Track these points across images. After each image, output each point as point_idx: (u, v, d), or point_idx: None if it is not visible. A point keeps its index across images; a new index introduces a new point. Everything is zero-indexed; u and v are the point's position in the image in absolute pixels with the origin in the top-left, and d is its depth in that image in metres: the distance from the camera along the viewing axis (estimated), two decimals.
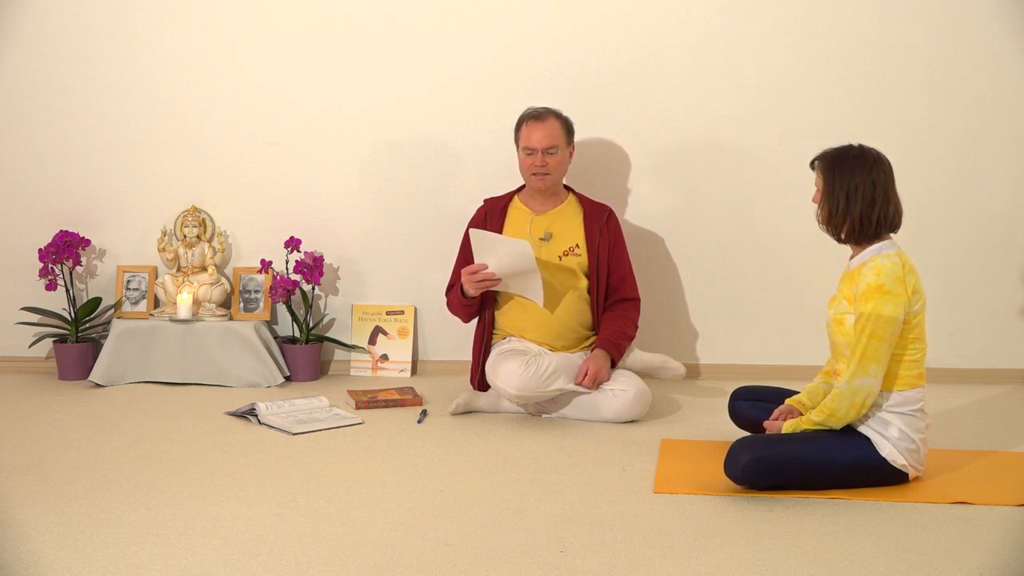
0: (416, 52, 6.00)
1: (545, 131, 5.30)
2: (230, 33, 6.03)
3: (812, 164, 4.30)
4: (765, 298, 6.03)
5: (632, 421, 5.13)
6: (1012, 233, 5.92)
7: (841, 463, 4.11)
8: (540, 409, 5.20)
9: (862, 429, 4.16)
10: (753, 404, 4.65)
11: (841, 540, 3.66)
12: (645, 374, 5.40)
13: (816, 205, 4.28)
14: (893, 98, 5.91)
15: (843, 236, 4.21)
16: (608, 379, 5.16)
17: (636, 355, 5.38)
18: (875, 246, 4.17)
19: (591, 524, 3.78)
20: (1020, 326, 5.93)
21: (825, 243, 5.90)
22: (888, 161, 4.19)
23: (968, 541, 3.66)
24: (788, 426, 4.19)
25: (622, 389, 5.12)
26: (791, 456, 4.09)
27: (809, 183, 5.86)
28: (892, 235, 4.21)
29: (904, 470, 4.15)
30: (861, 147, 4.20)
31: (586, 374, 5.11)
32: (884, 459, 4.11)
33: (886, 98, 5.92)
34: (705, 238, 6.04)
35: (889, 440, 4.12)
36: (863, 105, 5.92)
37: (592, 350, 5.25)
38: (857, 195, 4.12)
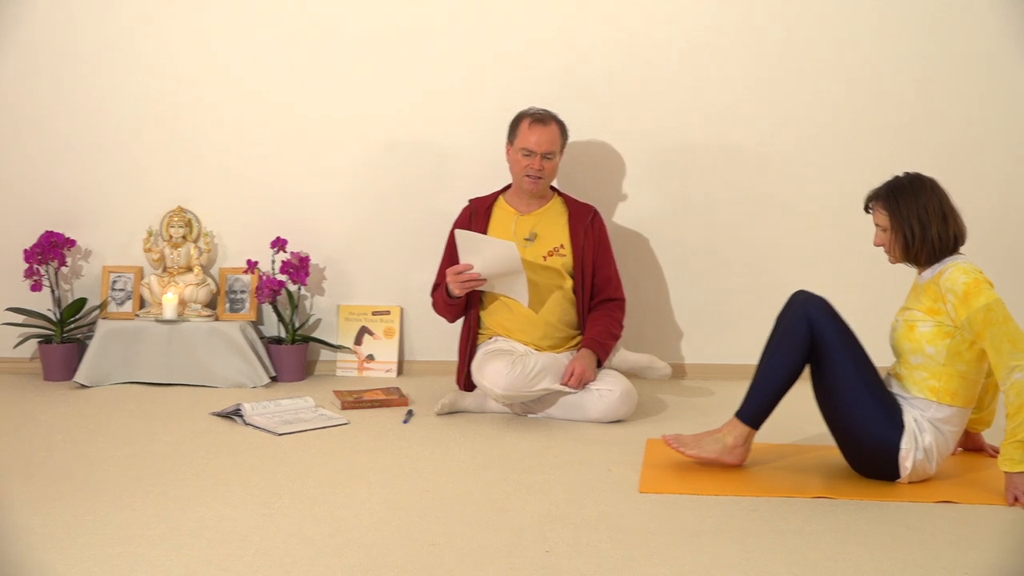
0: (402, 54, 6.00)
1: (546, 135, 5.30)
2: (218, 33, 6.03)
3: (867, 207, 4.34)
4: (751, 298, 6.04)
5: (618, 421, 5.13)
6: (999, 232, 5.97)
7: (861, 417, 4.15)
8: (526, 409, 5.20)
9: (906, 418, 4.17)
10: None
11: (827, 540, 3.66)
12: (631, 374, 5.40)
13: (882, 247, 4.31)
14: (881, 99, 5.93)
15: (924, 260, 4.24)
16: (594, 379, 5.16)
17: (622, 355, 5.38)
18: (948, 259, 4.21)
19: (577, 524, 3.78)
20: None
21: (811, 243, 5.99)
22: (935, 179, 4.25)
23: (954, 540, 3.67)
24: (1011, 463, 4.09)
25: (608, 389, 5.12)
26: (837, 375, 4.17)
27: (795, 182, 5.97)
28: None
29: (901, 472, 4.18)
30: (908, 174, 4.27)
31: (572, 374, 5.11)
32: (898, 450, 4.14)
33: (873, 99, 5.94)
34: (691, 239, 6.05)
35: (917, 444, 4.15)
36: (849, 106, 5.94)
37: (578, 350, 5.25)
38: (929, 217, 4.16)
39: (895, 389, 4.28)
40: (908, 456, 4.15)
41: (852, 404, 4.17)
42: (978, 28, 5.87)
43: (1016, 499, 4.00)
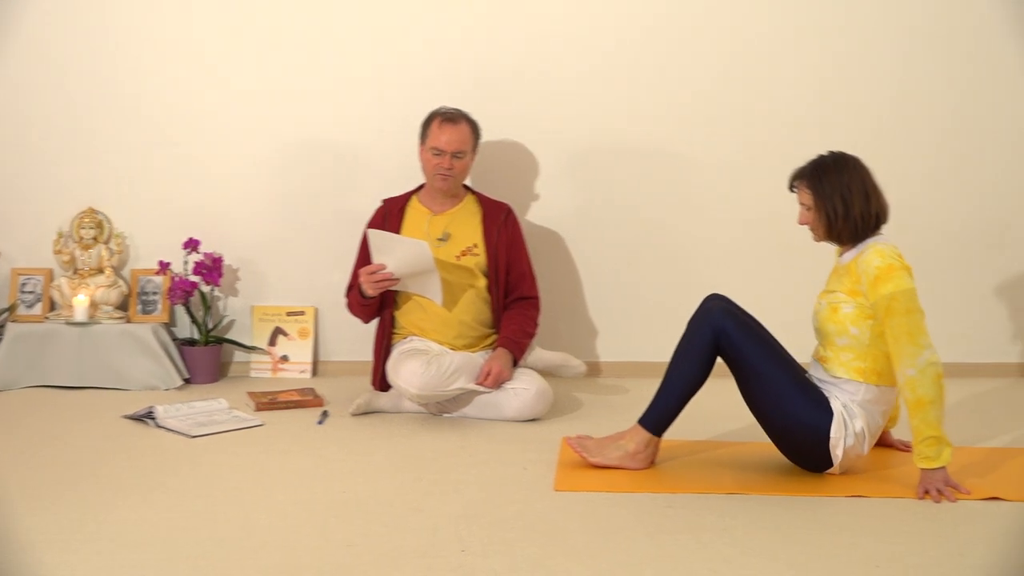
0: (316, 53, 5.98)
1: (456, 134, 5.30)
2: (127, 34, 5.96)
3: (791, 186, 4.36)
4: (665, 296, 6.08)
5: (533, 419, 5.15)
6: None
7: (788, 409, 4.20)
8: (441, 408, 5.20)
9: (834, 405, 4.22)
10: None
11: (740, 534, 3.69)
12: (546, 372, 5.42)
13: (806, 225, 4.35)
14: (794, 98, 6.00)
15: (847, 238, 4.28)
16: (510, 378, 5.17)
17: (537, 354, 5.40)
18: (869, 239, 4.25)
19: (492, 523, 3.79)
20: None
21: (723, 239, 6.04)
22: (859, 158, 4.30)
23: (866, 532, 3.71)
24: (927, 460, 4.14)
25: (523, 388, 5.14)
26: (755, 375, 4.23)
27: (703, 179, 6.01)
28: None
29: (833, 460, 4.23)
30: (832, 153, 4.31)
31: (488, 373, 5.11)
32: (828, 437, 4.19)
33: (786, 98, 6.01)
34: (605, 237, 6.07)
35: (847, 430, 4.20)
36: (761, 105, 6.00)
37: (493, 349, 5.26)
38: (852, 195, 4.20)
39: (820, 374, 4.32)
40: (838, 444, 4.19)
41: (777, 399, 4.21)
42: (894, 17, 5.99)
43: (927, 492, 4.06)
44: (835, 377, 4.26)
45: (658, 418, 4.37)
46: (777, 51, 5.99)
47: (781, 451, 4.37)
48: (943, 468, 4.08)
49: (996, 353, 6.18)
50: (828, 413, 4.19)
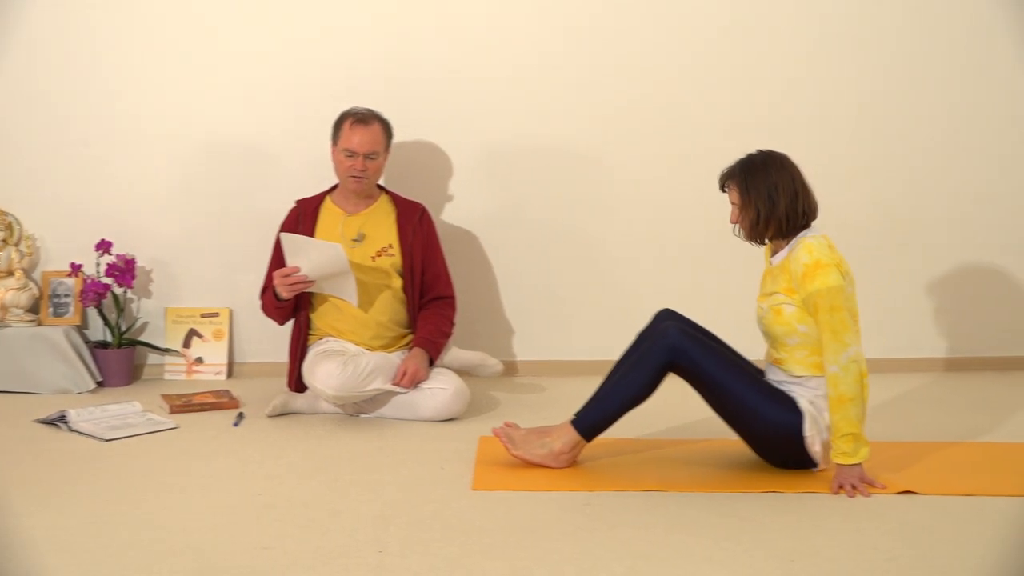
0: (226, 52, 5.93)
1: (368, 135, 5.27)
2: (37, 31, 5.88)
3: (722, 186, 4.38)
4: (581, 295, 6.10)
5: (451, 419, 5.14)
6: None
7: (759, 415, 4.23)
8: (358, 409, 5.18)
9: (802, 403, 4.24)
10: None
11: (658, 531, 3.71)
12: (463, 372, 5.41)
13: (735, 224, 4.36)
14: (710, 97, 6.04)
15: (770, 237, 4.31)
16: (426, 378, 5.16)
17: (453, 353, 5.39)
18: (799, 235, 4.27)
19: (410, 523, 3.78)
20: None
21: (635, 238, 6.06)
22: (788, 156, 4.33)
23: (781, 528, 3.75)
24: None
25: (440, 387, 5.13)
26: (719, 388, 4.25)
27: (616, 179, 6.03)
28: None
29: (815, 459, 4.27)
30: (761, 151, 4.33)
31: (404, 373, 5.10)
32: (803, 437, 4.22)
33: (702, 97, 6.05)
34: (521, 236, 6.08)
35: (819, 426, 4.23)
36: (679, 103, 6.04)
37: (409, 349, 5.25)
38: (779, 193, 4.22)
39: (779, 376, 4.35)
40: (815, 442, 4.23)
41: (746, 410, 4.25)
42: (804, 15, 6.08)
43: (841, 487, 4.10)
44: (795, 376, 4.29)
45: (592, 424, 4.37)
46: (689, 52, 6.03)
47: (765, 458, 4.38)
48: (859, 465, 4.12)
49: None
50: (797, 413, 4.22)
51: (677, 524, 3.79)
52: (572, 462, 4.40)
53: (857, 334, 4.15)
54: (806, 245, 4.20)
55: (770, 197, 4.22)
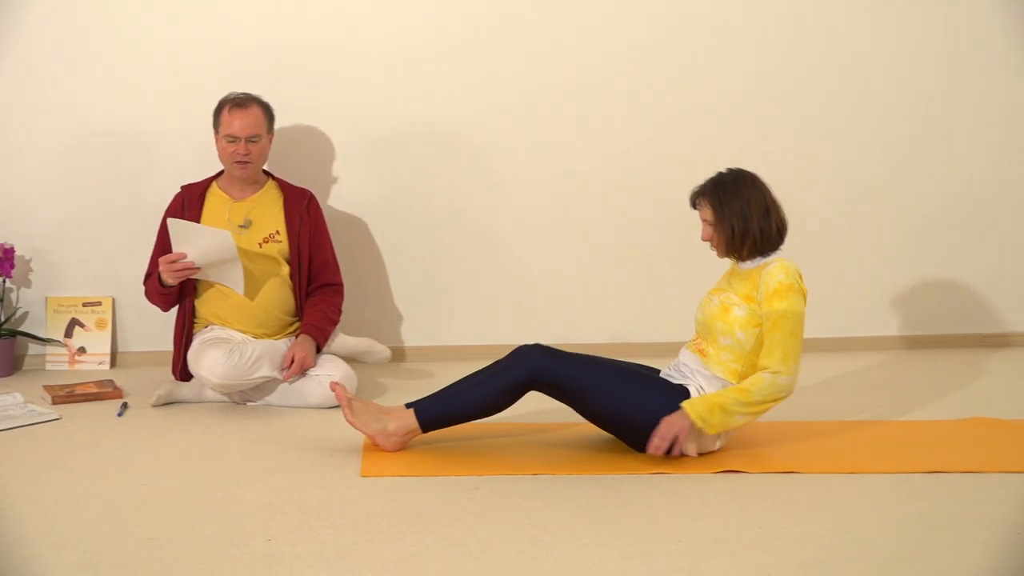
0: (109, 36, 5.83)
1: (248, 119, 5.23)
2: None
3: (693, 203, 4.42)
4: (468, 280, 6.11)
5: (338, 406, 5.11)
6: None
7: (643, 412, 4.25)
8: (245, 397, 5.14)
9: (692, 391, 4.29)
10: None
11: (546, 515, 3.74)
12: (350, 358, 5.40)
13: (708, 242, 4.42)
14: (602, 81, 6.07)
15: (746, 253, 4.35)
16: (313, 365, 5.14)
17: (341, 340, 5.37)
18: (773, 253, 4.35)
19: (298, 511, 3.77)
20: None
21: (523, 223, 6.07)
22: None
23: (669, 509, 3.81)
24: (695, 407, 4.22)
25: (327, 374, 5.11)
26: (594, 396, 4.30)
27: (502, 164, 6.04)
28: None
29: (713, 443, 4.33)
30: (731, 170, 4.39)
31: (291, 360, 5.08)
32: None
33: (594, 80, 6.07)
34: (409, 221, 6.07)
35: None
36: (566, 88, 6.06)
37: (296, 336, 5.23)
38: (751, 210, 4.29)
39: (692, 363, 4.38)
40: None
41: (624, 400, 4.28)
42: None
43: (663, 435, 4.17)
44: (708, 371, 4.33)
45: (433, 417, 4.39)
46: (577, 37, 6.05)
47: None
48: (693, 426, 4.17)
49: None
50: (684, 399, 4.27)
51: (565, 507, 3.81)
52: (401, 447, 4.40)
53: (799, 365, 4.24)
54: (783, 265, 4.28)
55: (743, 213, 4.28)
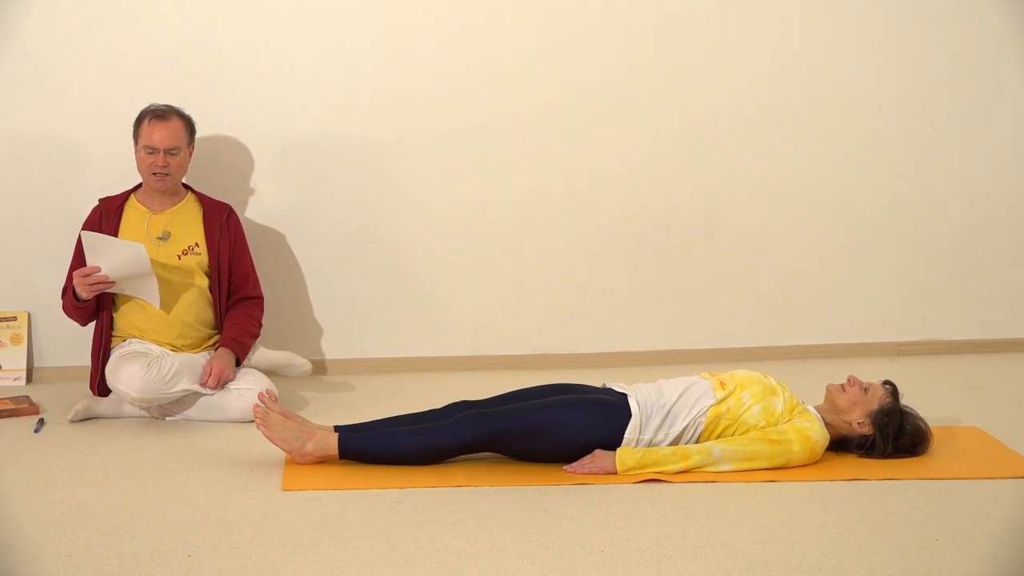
0: (27, 43, 5.75)
1: (168, 131, 5.18)
2: None
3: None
4: (388, 292, 6.08)
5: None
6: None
7: (584, 432, 4.31)
8: (164, 412, 5.10)
9: (631, 402, 4.34)
10: None
11: (469, 526, 3.74)
12: (271, 372, 5.36)
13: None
14: (521, 93, 6.07)
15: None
16: (233, 378, 5.11)
17: (261, 353, 5.34)
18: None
19: (220, 526, 3.75)
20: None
21: (436, 233, 6.07)
22: None
23: (592, 519, 3.83)
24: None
25: (247, 388, 5.08)
26: (522, 419, 4.33)
27: (429, 178, 6.02)
28: None
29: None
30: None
31: (211, 374, 5.04)
32: (622, 440, 4.30)
33: (509, 94, 6.07)
34: (327, 234, 6.03)
35: (640, 433, 4.31)
36: (487, 101, 6.05)
37: (216, 349, 5.19)
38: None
39: (676, 385, 4.45)
40: (632, 442, 4.31)
41: (567, 432, 4.30)
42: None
43: (583, 465, 4.25)
44: (689, 407, 4.37)
45: (355, 451, 4.38)
46: (489, 44, 6.02)
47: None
48: (613, 467, 4.23)
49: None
50: (625, 415, 4.31)
51: (488, 519, 3.82)
52: (312, 464, 4.38)
53: (744, 465, 4.28)
54: (822, 429, 4.40)
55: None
